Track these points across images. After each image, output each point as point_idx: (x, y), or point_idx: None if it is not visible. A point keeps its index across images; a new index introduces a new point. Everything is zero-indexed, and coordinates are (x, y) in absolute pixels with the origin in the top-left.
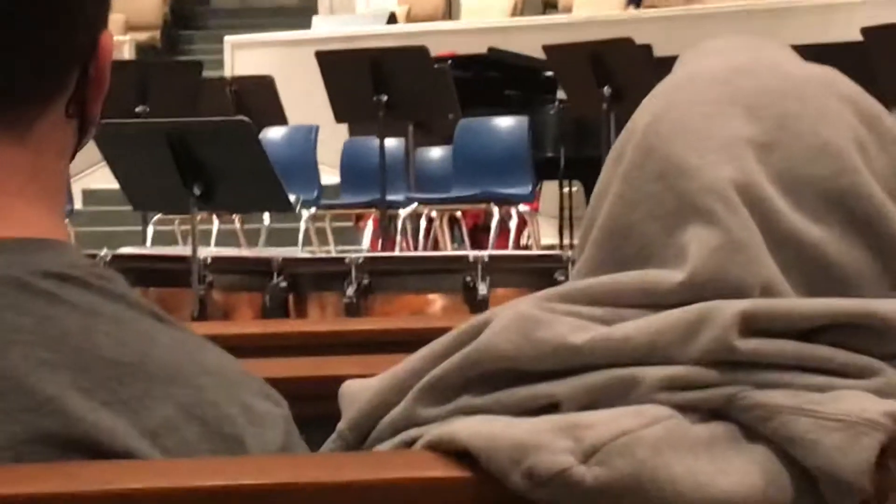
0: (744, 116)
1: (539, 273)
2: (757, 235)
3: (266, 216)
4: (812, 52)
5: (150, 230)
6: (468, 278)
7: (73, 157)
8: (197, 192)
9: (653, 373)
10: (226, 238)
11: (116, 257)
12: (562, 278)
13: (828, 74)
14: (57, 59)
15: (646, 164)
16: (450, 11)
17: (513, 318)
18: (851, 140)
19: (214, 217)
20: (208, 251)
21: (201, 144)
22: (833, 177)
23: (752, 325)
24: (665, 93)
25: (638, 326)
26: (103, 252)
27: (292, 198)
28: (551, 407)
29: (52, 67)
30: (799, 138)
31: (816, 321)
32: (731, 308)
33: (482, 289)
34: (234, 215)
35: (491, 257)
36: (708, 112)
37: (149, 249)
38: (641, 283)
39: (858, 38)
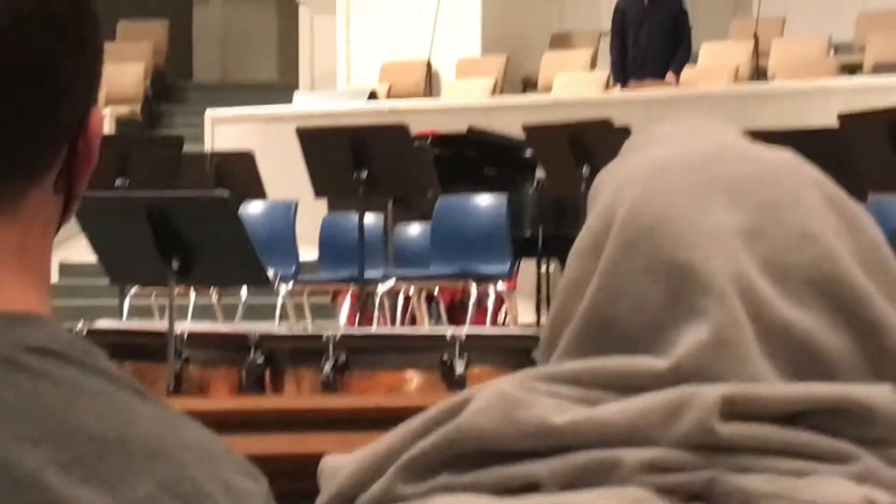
0: (725, 205)
1: (516, 352)
2: (747, 330)
3: (244, 291)
4: (790, 138)
5: (127, 303)
6: (445, 356)
7: (56, 231)
8: (175, 265)
9: (633, 455)
10: (202, 312)
11: (92, 331)
12: None
13: (793, 159)
14: (47, 136)
15: (630, 256)
16: (430, 89)
17: (494, 397)
18: (827, 225)
19: (191, 291)
20: (185, 326)
21: (180, 218)
22: (816, 263)
23: (732, 410)
24: (637, 180)
25: (619, 408)
26: (79, 326)
27: (270, 273)
28: (532, 487)
29: (41, 144)
30: (780, 225)
31: (796, 406)
32: (712, 392)
33: (459, 367)
34: (211, 289)
35: (468, 335)
36: (689, 202)
37: (125, 324)
38: (624, 367)
39: (835, 123)
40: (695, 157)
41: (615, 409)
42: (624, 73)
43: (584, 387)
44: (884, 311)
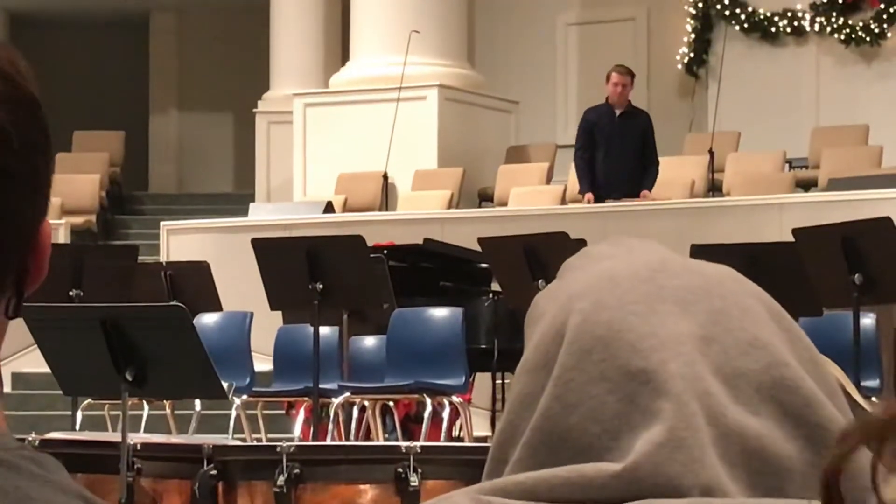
0: (678, 313)
1: (471, 465)
2: (702, 433)
3: (197, 402)
4: (745, 251)
5: (80, 415)
6: (400, 469)
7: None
8: (129, 377)
9: None
10: (156, 423)
11: (44, 442)
12: None
13: (733, 272)
14: (2, 263)
15: (583, 366)
16: (386, 202)
17: None
18: (772, 334)
19: (145, 402)
20: (138, 437)
21: (135, 330)
22: (766, 369)
23: None
24: (586, 293)
25: None
26: (31, 436)
27: (225, 385)
28: None
29: None
30: (730, 333)
31: None
32: None
33: (414, 480)
34: (164, 401)
35: (423, 448)
36: (640, 311)
37: (77, 434)
38: (577, 475)
39: (790, 238)
40: (642, 270)
41: None
42: (594, 184)
43: (538, 500)
44: (832, 415)
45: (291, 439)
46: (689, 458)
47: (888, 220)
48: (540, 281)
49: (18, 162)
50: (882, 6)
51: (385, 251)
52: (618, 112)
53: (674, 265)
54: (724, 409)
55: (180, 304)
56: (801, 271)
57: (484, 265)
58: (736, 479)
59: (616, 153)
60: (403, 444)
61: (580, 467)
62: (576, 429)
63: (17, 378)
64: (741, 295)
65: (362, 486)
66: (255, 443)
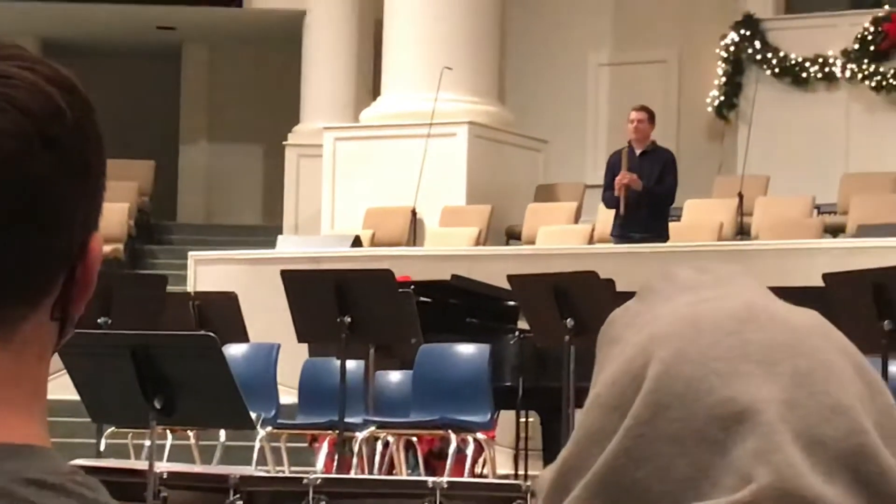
0: (761, 375)
1: (497, 501)
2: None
3: (222, 433)
4: (775, 295)
5: (104, 443)
6: None
7: (52, 356)
8: (158, 405)
9: None
10: (180, 453)
11: None
12: None
13: (821, 323)
14: (46, 263)
15: (657, 422)
16: (414, 237)
17: None
18: (855, 396)
19: (168, 431)
20: (164, 466)
21: (165, 358)
22: (845, 437)
23: None
24: (668, 339)
25: None
26: None
27: (252, 415)
28: None
29: (40, 270)
30: (812, 397)
31: None
32: None
33: None
34: (188, 430)
35: (450, 483)
36: (723, 370)
37: (103, 462)
38: None
39: (819, 282)
40: (727, 321)
41: None
42: (616, 223)
43: None
44: None
45: (315, 472)
46: None
47: None
48: (568, 320)
49: (70, 140)
50: None
51: (412, 286)
52: (638, 151)
53: (761, 315)
54: (803, 479)
55: (210, 333)
56: (830, 317)
57: (511, 303)
58: None
59: (636, 191)
60: (430, 479)
61: None
62: (640, 484)
63: None
64: (827, 351)
65: None
66: (281, 474)
